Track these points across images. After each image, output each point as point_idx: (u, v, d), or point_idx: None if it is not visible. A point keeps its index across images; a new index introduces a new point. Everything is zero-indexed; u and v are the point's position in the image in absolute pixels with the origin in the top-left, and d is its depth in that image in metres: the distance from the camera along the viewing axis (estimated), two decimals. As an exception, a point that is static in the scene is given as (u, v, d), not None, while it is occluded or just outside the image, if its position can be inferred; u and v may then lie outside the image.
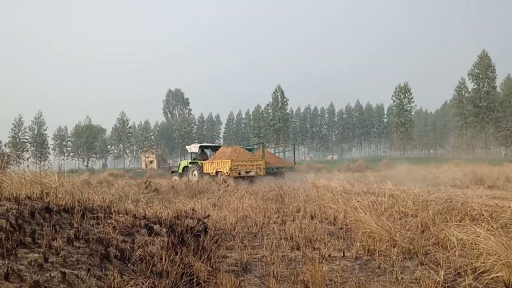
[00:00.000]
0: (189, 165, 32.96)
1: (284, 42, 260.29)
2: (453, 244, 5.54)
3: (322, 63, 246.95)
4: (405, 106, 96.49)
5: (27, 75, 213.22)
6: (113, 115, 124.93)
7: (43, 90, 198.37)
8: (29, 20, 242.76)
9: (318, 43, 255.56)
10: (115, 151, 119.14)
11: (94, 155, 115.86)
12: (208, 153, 35.25)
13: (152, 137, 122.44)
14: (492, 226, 6.67)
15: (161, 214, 5.64)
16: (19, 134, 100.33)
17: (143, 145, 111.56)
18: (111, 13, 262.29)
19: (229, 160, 28.41)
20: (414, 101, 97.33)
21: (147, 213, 5.50)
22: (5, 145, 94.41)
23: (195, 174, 30.63)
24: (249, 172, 28.72)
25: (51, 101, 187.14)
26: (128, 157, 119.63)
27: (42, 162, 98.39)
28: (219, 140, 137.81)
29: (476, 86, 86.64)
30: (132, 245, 4.28)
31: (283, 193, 12.81)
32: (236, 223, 7.85)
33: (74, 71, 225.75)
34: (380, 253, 5.53)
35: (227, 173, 27.84)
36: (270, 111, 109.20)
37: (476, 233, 5.53)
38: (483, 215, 7.90)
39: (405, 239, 6.02)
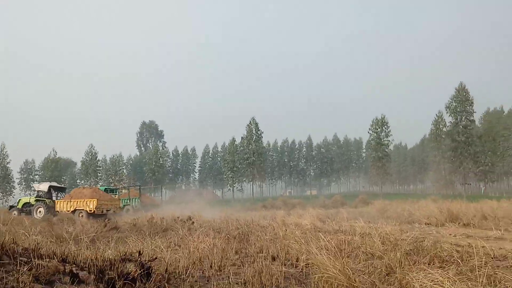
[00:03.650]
0: (34, 202, 35.35)
1: (262, 70, 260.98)
2: (416, 291, 5.11)
3: (300, 95, 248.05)
4: (382, 140, 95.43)
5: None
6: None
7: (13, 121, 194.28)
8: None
9: (298, 73, 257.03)
10: (85, 185, 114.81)
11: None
12: (53, 193, 37.89)
13: (124, 170, 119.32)
14: (461, 270, 6.32)
15: (101, 257, 5.09)
16: None
17: (112, 179, 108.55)
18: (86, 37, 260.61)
19: (95, 200, 33.08)
20: (391, 135, 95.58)
21: (80, 257, 4.92)
22: None
23: (40, 211, 33.37)
24: (109, 210, 33.60)
25: (26, 134, 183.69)
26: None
27: (6, 197, 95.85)
28: (194, 175, 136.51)
29: (453, 120, 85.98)
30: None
31: (250, 231, 12.31)
32: (194, 264, 7.35)
33: (52, 100, 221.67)
34: (337, 301, 5.08)
35: (90, 210, 32.27)
36: (243, 144, 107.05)
37: (440, 279, 5.13)
38: (454, 257, 7.56)
39: (366, 284, 5.58)
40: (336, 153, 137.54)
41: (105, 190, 42.40)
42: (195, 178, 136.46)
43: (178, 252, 7.94)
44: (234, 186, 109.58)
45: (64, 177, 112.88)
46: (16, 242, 4.79)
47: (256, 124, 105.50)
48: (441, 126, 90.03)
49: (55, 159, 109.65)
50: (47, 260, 4.15)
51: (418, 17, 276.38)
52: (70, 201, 34.08)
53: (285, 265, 7.64)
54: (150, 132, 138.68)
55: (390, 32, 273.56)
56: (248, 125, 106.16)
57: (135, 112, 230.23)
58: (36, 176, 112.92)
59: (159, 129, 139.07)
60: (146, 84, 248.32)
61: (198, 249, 8.09)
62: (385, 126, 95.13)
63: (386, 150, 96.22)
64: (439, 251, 8.05)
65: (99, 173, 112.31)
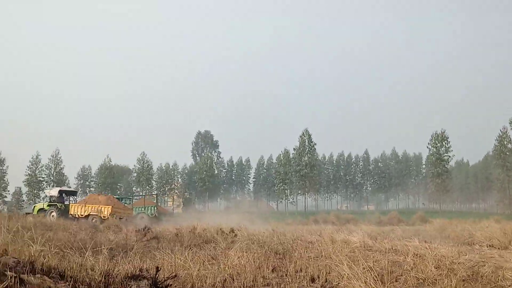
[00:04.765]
0: (47, 207, 37.48)
1: (316, 81, 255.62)
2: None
3: (354, 108, 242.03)
4: (442, 155, 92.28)
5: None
6: (154, 159, 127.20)
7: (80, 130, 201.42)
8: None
9: (351, 86, 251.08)
10: (141, 193, 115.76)
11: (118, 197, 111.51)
12: (64, 197, 40.59)
13: (179, 179, 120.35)
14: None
15: (107, 272, 4.62)
16: (36, 172, 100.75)
17: (163, 188, 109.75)
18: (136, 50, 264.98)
19: (110, 207, 35.29)
20: (452, 150, 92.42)
21: (82, 272, 4.38)
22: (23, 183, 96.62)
23: (53, 215, 34.96)
24: (121, 218, 34.39)
25: (91, 142, 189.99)
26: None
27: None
28: (249, 186, 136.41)
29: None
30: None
31: (294, 247, 11.66)
32: (225, 282, 6.79)
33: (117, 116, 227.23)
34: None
35: (104, 217, 34.01)
36: (296, 156, 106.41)
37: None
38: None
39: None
40: (394, 168, 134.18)
41: (118, 199, 44.43)
42: (249, 189, 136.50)
43: (210, 267, 7.39)
44: (286, 199, 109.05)
45: (120, 184, 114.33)
46: (8, 253, 4.36)
47: (309, 135, 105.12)
48: (505, 142, 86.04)
49: (109, 166, 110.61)
50: (39, 276, 3.68)
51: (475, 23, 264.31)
52: (85, 206, 36.34)
53: None
54: (205, 142, 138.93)
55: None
56: (300, 136, 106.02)
57: (192, 120, 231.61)
58: (92, 183, 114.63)
59: (214, 139, 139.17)
60: (202, 94, 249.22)
61: (228, 265, 7.53)
62: (445, 141, 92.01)
63: (446, 166, 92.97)
64: (500, 280, 7.13)
65: (153, 181, 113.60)
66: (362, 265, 7.44)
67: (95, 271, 4.49)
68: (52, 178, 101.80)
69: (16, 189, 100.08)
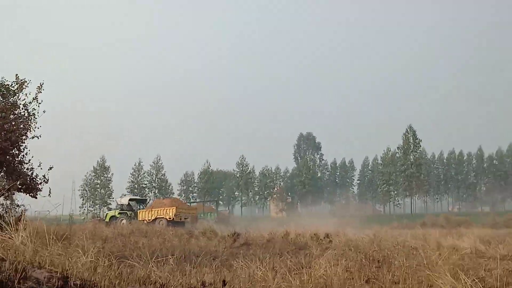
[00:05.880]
0: (118, 215, 39.87)
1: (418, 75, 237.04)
2: None
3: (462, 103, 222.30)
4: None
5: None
6: (258, 163, 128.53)
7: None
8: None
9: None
10: (243, 198, 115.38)
11: (220, 202, 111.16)
12: (133, 205, 43.08)
13: (281, 183, 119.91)
14: None
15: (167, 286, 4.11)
16: (139, 179, 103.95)
17: (261, 192, 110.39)
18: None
19: (174, 208, 37.25)
20: None
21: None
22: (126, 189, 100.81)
23: (123, 222, 35.52)
24: (186, 218, 37.00)
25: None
26: (257, 204, 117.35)
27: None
28: (353, 188, 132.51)
29: None
30: None
31: (394, 254, 10.61)
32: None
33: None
34: None
35: (169, 218, 36.11)
36: (400, 155, 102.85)
37: None
38: None
39: None
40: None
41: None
42: (354, 192, 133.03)
43: (292, 279, 6.68)
44: (392, 201, 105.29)
45: (222, 189, 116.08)
46: (41, 265, 3.91)
47: (414, 132, 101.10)
48: None
49: (208, 171, 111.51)
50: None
51: None
52: (151, 211, 38.77)
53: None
54: (307, 145, 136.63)
55: None
56: (404, 134, 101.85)
57: (295, 124, 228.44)
58: (195, 188, 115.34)
59: (316, 141, 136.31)
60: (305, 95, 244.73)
61: (315, 276, 6.79)
62: None
63: None
64: None
65: (253, 185, 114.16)
66: (471, 275, 6.39)
67: (150, 285, 3.98)
68: (154, 185, 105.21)
69: (121, 196, 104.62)
